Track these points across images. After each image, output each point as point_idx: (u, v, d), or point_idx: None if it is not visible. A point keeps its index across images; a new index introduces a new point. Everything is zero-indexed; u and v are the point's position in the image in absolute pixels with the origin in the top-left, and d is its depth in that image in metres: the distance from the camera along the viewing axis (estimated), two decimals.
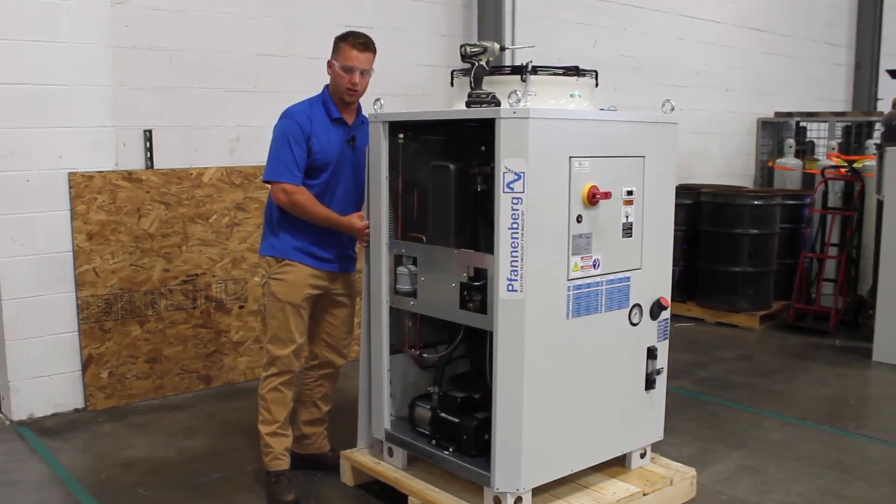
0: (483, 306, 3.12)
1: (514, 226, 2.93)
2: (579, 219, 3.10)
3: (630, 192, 3.29)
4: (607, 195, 3.14)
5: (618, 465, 3.56)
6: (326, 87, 3.67)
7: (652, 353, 3.50)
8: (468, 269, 3.18)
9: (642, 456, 3.64)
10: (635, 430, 3.54)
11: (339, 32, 3.60)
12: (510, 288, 2.96)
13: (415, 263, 3.44)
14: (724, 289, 6.99)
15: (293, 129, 3.52)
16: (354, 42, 3.55)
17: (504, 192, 2.93)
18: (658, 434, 3.65)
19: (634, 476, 3.53)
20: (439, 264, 3.31)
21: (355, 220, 3.60)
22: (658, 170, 3.40)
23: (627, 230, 3.31)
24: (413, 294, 3.43)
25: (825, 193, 7.08)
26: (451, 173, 3.28)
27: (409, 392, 3.65)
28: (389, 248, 3.50)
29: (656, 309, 3.48)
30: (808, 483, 3.88)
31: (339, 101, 3.62)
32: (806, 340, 6.52)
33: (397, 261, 3.50)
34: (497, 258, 2.97)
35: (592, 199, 3.10)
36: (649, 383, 3.52)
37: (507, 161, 2.91)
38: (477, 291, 3.15)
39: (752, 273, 6.91)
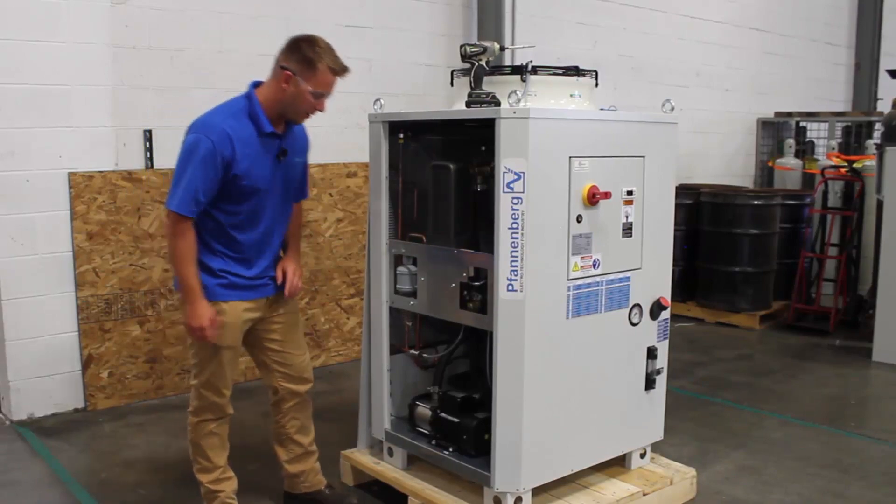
0: (483, 306, 3.12)
1: (514, 226, 2.93)
2: (579, 219, 3.10)
3: (630, 192, 3.29)
4: (607, 195, 3.14)
5: (618, 464, 3.56)
6: (254, 90, 2.99)
7: (652, 353, 3.51)
8: (468, 269, 3.18)
9: (642, 456, 3.64)
10: (635, 429, 3.54)
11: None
12: (510, 288, 2.96)
13: (415, 263, 3.44)
14: (724, 289, 6.99)
15: (204, 149, 2.82)
16: (337, 66, 2.92)
17: (504, 192, 2.93)
18: (658, 434, 3.65)
19: (634, 476, 3.54)
20: (439, 264, 3.31)
21: (206, 317, 2.94)
22: (658, 170, 3.40)
23: (627, 230, 3.31)
24: (413, 294, 3.43)
25: (825, 193, 7.08)
26: (451, 173, 3.29)
27: (409, 392, 3.65)
28: (389, 248, 3.50)
29: (656, 309, 3.48)
30: (808, 483, 3.88)
31: (276, 115, 2.98)
32: (806, 340, 6.51)
33: (397, 261, 3.49)
34: (497, 258, 2.97)
35: (592, 199, 3.10)
36: (649, 383, 3.52)
37: (507, 161, 2.91)
38: (477, 291, 3.15)
39: (752, 273, 6.91)
